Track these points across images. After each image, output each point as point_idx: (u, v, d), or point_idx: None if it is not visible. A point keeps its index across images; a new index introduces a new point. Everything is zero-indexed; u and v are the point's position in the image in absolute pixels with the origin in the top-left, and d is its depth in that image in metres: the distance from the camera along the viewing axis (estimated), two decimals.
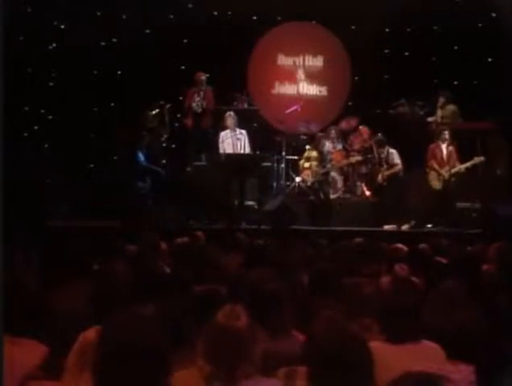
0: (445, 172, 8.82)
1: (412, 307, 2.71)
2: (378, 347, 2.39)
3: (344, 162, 9.63)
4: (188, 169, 9.18)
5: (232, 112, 9.10)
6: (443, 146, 8.94)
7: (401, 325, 2.65)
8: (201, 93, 9.21)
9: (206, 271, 3.91)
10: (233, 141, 8.96)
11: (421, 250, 5.29)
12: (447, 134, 8.93)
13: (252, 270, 3.51)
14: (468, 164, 8.89)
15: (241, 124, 9.14)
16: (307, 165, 9.52)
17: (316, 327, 2.16)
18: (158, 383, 1.86)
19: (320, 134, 9.99)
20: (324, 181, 9.46)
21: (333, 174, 9.61)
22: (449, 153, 8.89)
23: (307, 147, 9.73)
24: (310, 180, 9.38)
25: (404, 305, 2.71)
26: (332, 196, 9.43)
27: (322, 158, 9.62)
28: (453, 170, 8.81)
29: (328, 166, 9.58)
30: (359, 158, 9.57)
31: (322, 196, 9.24)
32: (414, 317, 2.68)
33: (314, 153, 9.58)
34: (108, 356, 1.84)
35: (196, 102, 9.21)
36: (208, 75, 9.48)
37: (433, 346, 2.62)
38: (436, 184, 8.88)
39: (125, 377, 1.80)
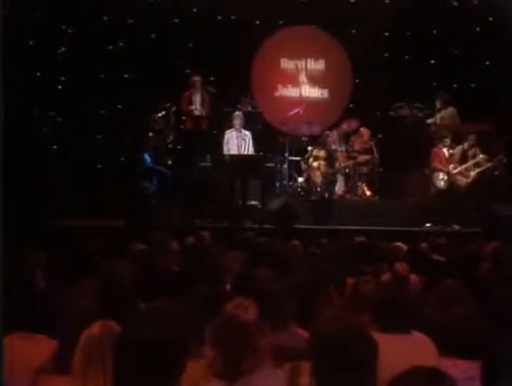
0: (449, 171, 9.04)
1: (405, 300, 2.81)
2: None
3: (351, 162, 9.71)
4: (194, 169, 9.30)
5: (240, 113, 9.29)
6: (445, 150, 9.16)
7: (393, 316, 2.74)
8: (197, 96, 9.39)
9: (211, 269, 3.96)
10: (238, 141, 9.15)
11: (420, 249, 5.43)
12: (448, 140, 9.13)
13: (255, 269, 3.61)
14: (471, 162, 9.13)
15: (245, 126, 9.30)
16: (315, 164, 9.51)
17: (322, 323, 2.18)
18: (173, 378, 1.91)
19: (327, 132, 10.04)
20: (330, 180, 9.51)
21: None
22: (450, 155, 9.14)
23: (310, 148, 9.79)
24: (319, 180, 9.38)
25: (397, 298, 2.80)
26: (334, 196, 9.55)
27: (330, 158, 9.65)
28: (456, 171, 9.06)
29: (336, 165, 9.64)
30: (367, 156, 9.69)
31: (326, 196, 9.31)
32: (406, 309, 2.77)
33: (322, 153, 9.60)
34: (130, 350, 1.87)
35: (194, 104, 9.38)
36: (210, 78, 9.72)
37: (423, 338, 2.72)
38: (441, 184, 9.10)
39: (145, 371, 1.83)
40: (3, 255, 2.91)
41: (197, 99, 9.41)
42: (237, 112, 9.33)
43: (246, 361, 2.25)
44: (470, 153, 9.37)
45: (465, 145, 9.41)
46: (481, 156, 9.17)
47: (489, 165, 9.17)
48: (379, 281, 3.42)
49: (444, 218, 8.91)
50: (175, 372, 1.90)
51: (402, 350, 2.43)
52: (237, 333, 2.29)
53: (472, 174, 9.12)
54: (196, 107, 9.42)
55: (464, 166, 9.13)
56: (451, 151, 9.17)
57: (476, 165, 9.19)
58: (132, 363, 1.85)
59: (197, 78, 9.48)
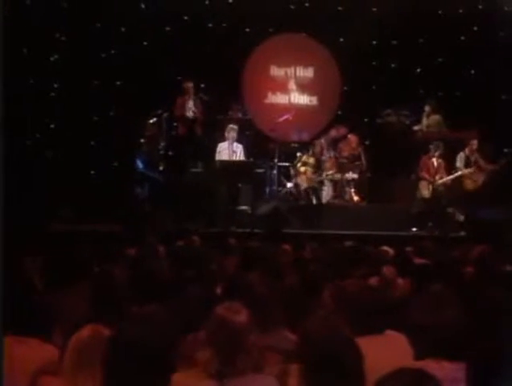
0: (435, 181, 9.26)
1: (378, 302, 2.90)
2: None
3: (338, 176, 9.76)
4: (185, 175, 9.38)
5: (235, 126, 9.37)
6: (434, 159, 9.37)
7: (366, 318, 2.78)
8: (190, 102, 9.48)
9: (202, 273, 4.00)
10: (230, 153, 9.24)
11: (407, 253, 5.49)
12: (439, 152, 9.33)
13: (246, 273, 3.64)
14: (456, 175, 9.35)
15: (238, 138, 9.38)
16: (302, 169, 9.61)
17: (309, 326, 2.20)
18: (163, 381, 1.92)
19: (316, 139, 10.14)
20: (319, 186, 9.61)
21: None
22: (438, 165, 9.36)
23: (299, 154, 9.91)
24: (304, 185, 9.51)
25: (371, 300, 2.89)
26: (322, 201, 9.65)
27: (318, 166, 9.74)
28: (441, 181, 9.28)
29: (323, 174, 9.73)
30: (355, 175, 9.73)
31: (314, 201, 9.43)
32: (379, 311, 2.85)
33: (311, 159, 9.69)
34: (119, 353, 1.89)
35: (186, 111, 9.46)
36: (201, 85, 9.80)
37: (397, 336, 2.82)
38: (426, 192, 9.31)
39: (135, 374, 1.84)
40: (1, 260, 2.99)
41: (189, 105, 9.47)
42: (232, 125, 9.38)
43: (239, 362, 2.30)
44: (472, 159, 9.54)
45: (466, 150, 9.58)
46: (468, 170, 9.36)
47: (470, 175, 9.38)
48: (359, 284, 3.52)
49: (430, 223, 9.12)
50: (164, 375, 1.92)
51: (377, 350, 2.47)
52: (230, 335, 2.33)
53: (458, 186, 9.35)
54: (189, 113, 9.49)
55: (449, 178, 9.33)
56: (440, 161, 9.38)
57: (461, 177, 9.39)
58: (121, 367, 1.85)
59: (190, 84, 9.55)
